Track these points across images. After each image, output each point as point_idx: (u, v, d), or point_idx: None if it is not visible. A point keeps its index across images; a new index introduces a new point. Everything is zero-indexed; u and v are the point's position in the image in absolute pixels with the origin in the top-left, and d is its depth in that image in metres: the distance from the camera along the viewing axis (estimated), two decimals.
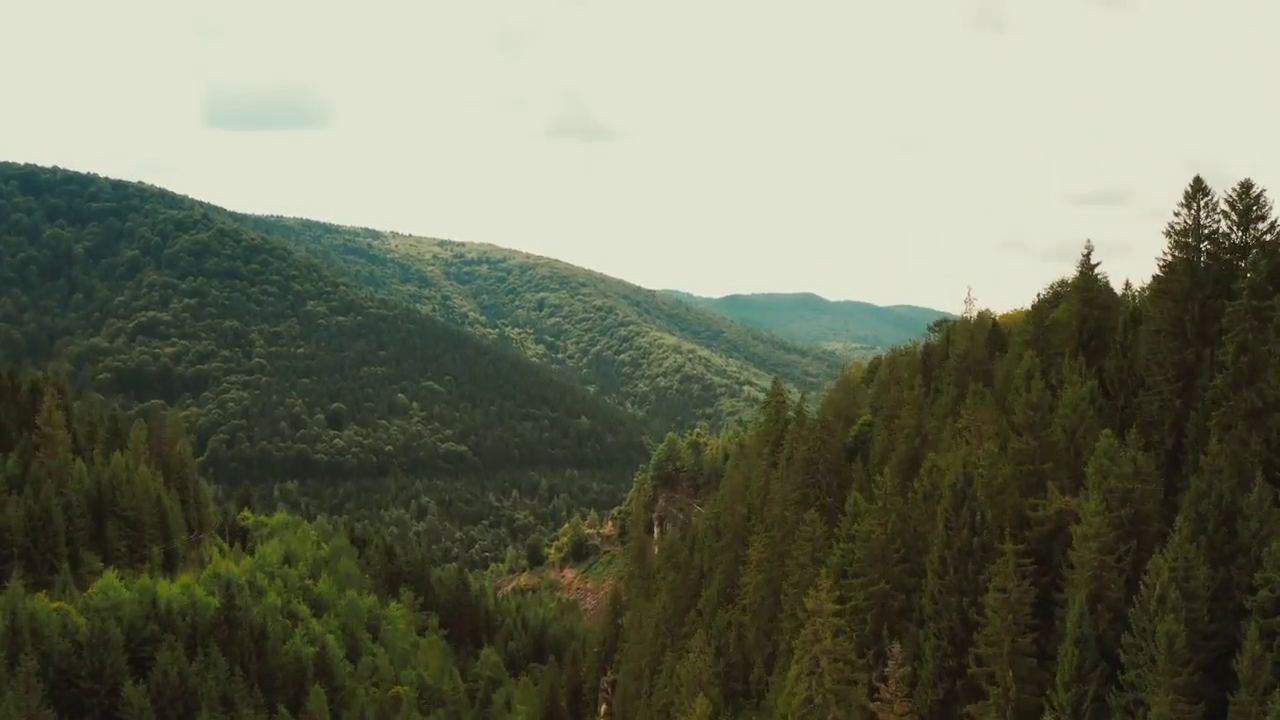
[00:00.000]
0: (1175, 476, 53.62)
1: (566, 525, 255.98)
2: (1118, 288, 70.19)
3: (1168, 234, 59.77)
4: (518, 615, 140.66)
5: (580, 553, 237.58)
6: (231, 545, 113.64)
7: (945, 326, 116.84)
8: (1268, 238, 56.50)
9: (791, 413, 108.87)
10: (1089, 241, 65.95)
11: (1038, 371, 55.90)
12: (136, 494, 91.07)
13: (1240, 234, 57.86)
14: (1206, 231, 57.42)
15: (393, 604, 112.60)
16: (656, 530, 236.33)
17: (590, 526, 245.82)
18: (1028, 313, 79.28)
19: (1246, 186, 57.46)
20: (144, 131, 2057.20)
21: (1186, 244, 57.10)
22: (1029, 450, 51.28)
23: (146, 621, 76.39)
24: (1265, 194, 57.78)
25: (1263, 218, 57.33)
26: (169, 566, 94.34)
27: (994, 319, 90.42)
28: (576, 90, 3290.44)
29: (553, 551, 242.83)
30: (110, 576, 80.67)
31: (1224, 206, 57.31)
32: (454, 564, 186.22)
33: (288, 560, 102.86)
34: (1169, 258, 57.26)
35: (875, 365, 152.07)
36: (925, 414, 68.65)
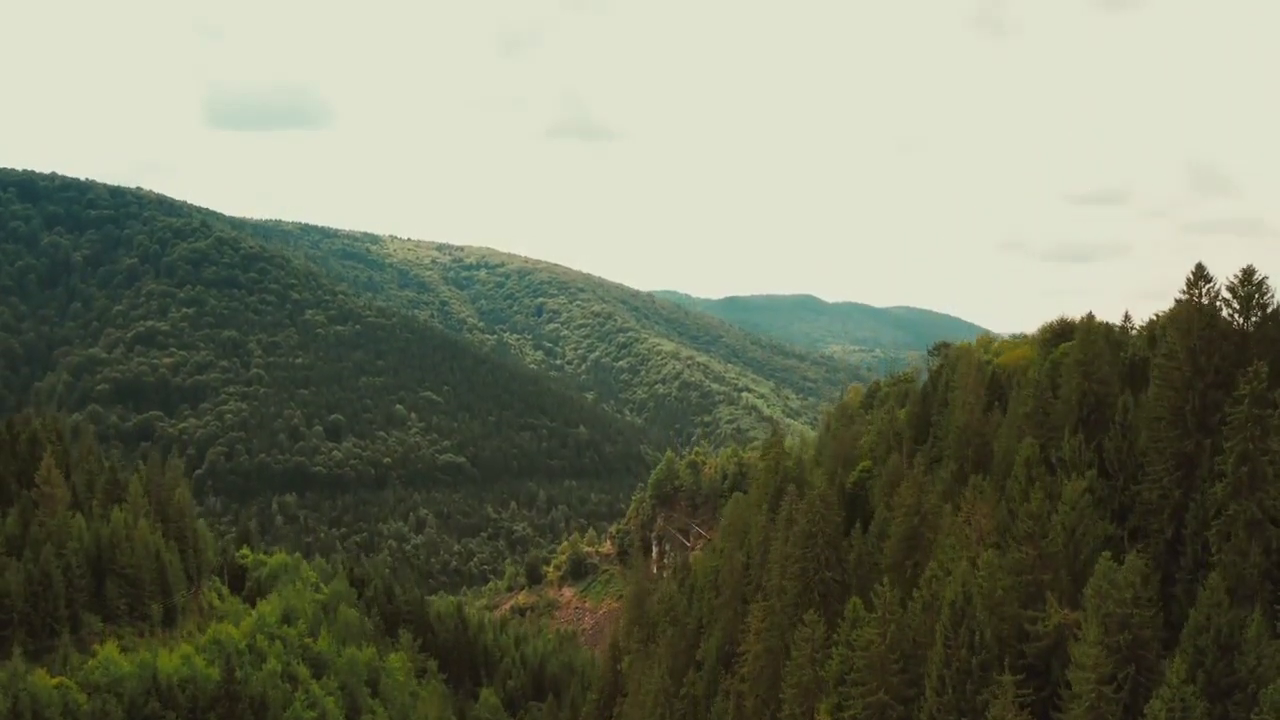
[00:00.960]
0: (1174, 567, 53.88)
1: (565, 543, 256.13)
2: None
3: (1169, 321, 59.92)
4: (516, 651, 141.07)
5: (579, 571, 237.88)
6: (231, 590, 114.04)
7: (945, 353, 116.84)
8: (1270, 325, 56.82)
9: (790, 463, 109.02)
10: (1091, 313, 66.04)
11: (1041, 473, 56.00)
12: (136, 551, 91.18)
13: (1242, 321, 58.07)
14: (1208, 318, 57.44)
15: (391, 655, 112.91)
16: (655, 549, 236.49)
17: (589, 545, 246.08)
18: (1027, 376, 79.29)
19: (1249, 274, 57.62)
20: (143, 132, 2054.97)
21: (1188, 332, 57.12)
22: (1028, 560, 51.43)
23: (147, 698, 76.33)
24: (1267, 280, 57.96)
25: (1264, 306, 57.54)
26: (169, 622, 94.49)
27: (994, 367, 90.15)
28: (576, 90, 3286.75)
29: (551, 570, 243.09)
30: (111, 648, 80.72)
31: (1225, 294, 57.47)
32: (453, 597, 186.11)
33: (287, 619, 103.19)
34: (1170, 345, 57.51)
35: (874, 389, 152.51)
36: (924, 493, 68.77)
